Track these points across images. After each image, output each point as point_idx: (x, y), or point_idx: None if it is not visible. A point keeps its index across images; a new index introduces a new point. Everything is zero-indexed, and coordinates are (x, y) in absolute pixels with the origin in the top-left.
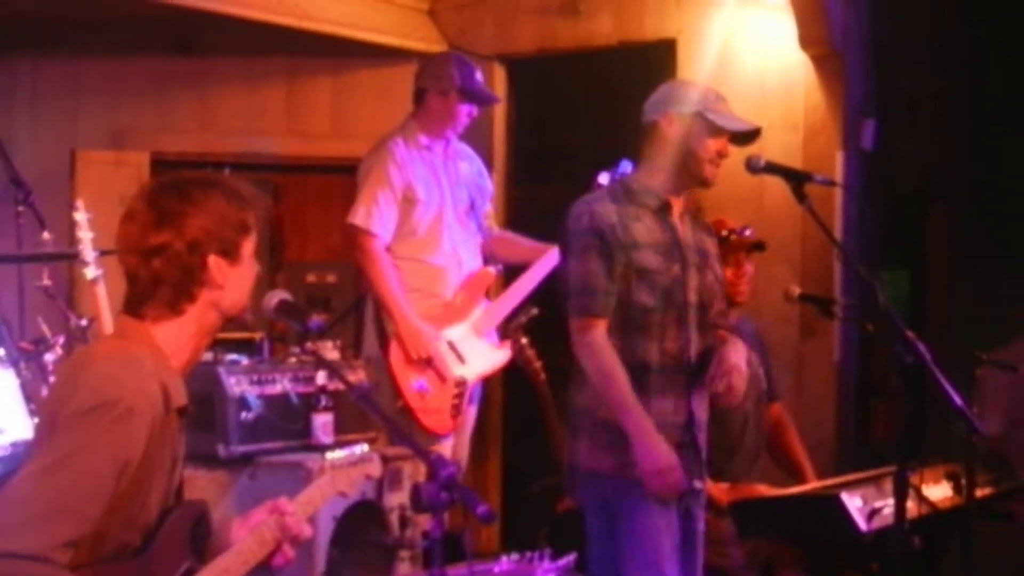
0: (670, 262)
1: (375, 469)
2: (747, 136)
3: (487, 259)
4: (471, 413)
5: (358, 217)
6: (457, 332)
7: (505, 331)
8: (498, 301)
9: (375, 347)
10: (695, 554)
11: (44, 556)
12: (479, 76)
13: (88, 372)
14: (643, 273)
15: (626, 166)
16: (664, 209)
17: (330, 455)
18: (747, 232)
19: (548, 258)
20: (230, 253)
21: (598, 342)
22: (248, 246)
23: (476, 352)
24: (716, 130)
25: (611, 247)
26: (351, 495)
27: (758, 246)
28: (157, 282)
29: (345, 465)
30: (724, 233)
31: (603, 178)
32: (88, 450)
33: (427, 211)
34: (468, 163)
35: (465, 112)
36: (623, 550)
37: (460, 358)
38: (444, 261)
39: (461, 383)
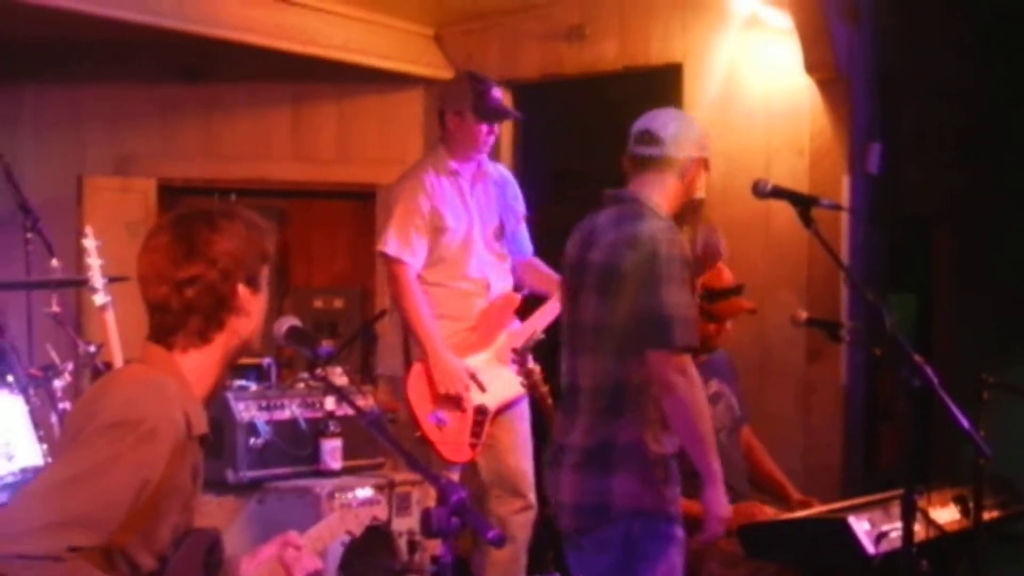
0: None
1: (382, 512)
2: None
3: (517, 283)
4: (521, 429)
5: (389, 246)
6: (479, 360)
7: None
8: (522, 328)
9: (400, 369)
10: None
11: (59, 556)
12: (496, 93)
13: (113, 394)
14: None
15: None
16: None
17: (340, 495)
18: (744, 300)
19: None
20: (253, 281)
21: (698, 379)
22: (265, 274)
23: (498, 380)
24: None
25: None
26: (357, 535)
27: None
28: (189, 311)
29: (354, 506)
30: (724, 289)
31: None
32: (109, 464)
33: (455, 237)
34: (499, 185)
35: (485, 131)
36: None
37: (480, 387)
38: (471, 286)
39: (482, 411)
